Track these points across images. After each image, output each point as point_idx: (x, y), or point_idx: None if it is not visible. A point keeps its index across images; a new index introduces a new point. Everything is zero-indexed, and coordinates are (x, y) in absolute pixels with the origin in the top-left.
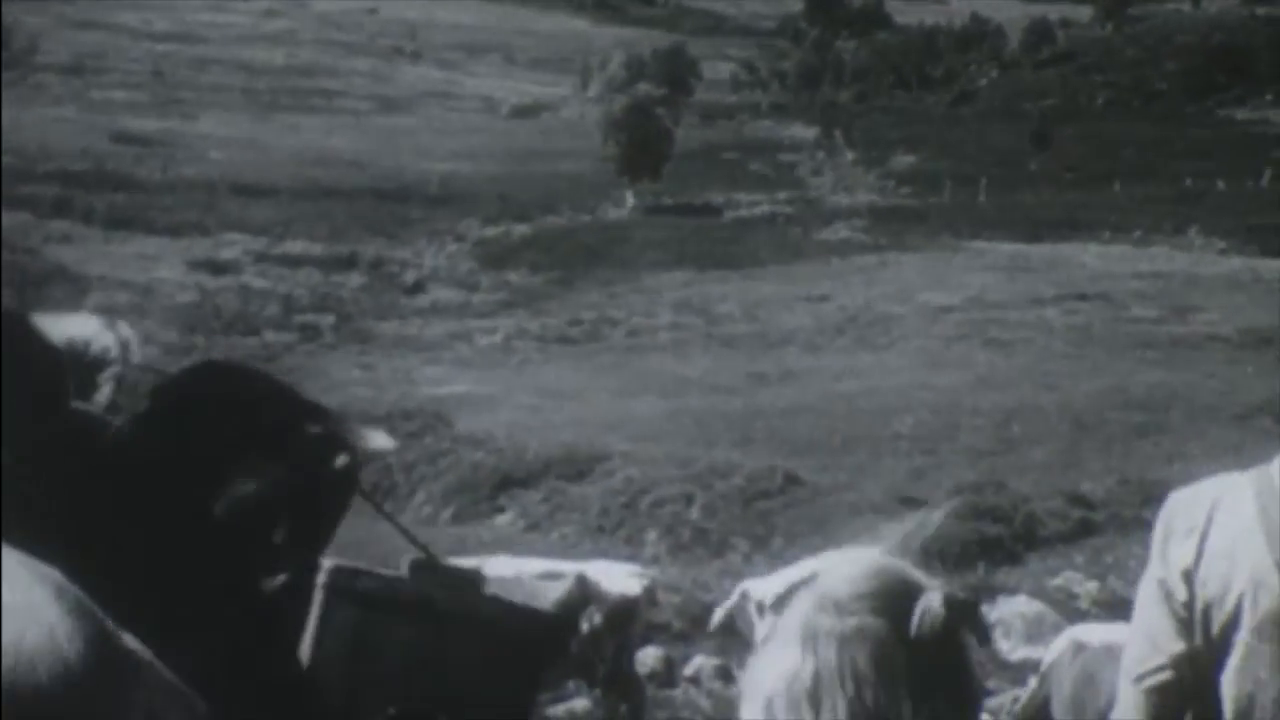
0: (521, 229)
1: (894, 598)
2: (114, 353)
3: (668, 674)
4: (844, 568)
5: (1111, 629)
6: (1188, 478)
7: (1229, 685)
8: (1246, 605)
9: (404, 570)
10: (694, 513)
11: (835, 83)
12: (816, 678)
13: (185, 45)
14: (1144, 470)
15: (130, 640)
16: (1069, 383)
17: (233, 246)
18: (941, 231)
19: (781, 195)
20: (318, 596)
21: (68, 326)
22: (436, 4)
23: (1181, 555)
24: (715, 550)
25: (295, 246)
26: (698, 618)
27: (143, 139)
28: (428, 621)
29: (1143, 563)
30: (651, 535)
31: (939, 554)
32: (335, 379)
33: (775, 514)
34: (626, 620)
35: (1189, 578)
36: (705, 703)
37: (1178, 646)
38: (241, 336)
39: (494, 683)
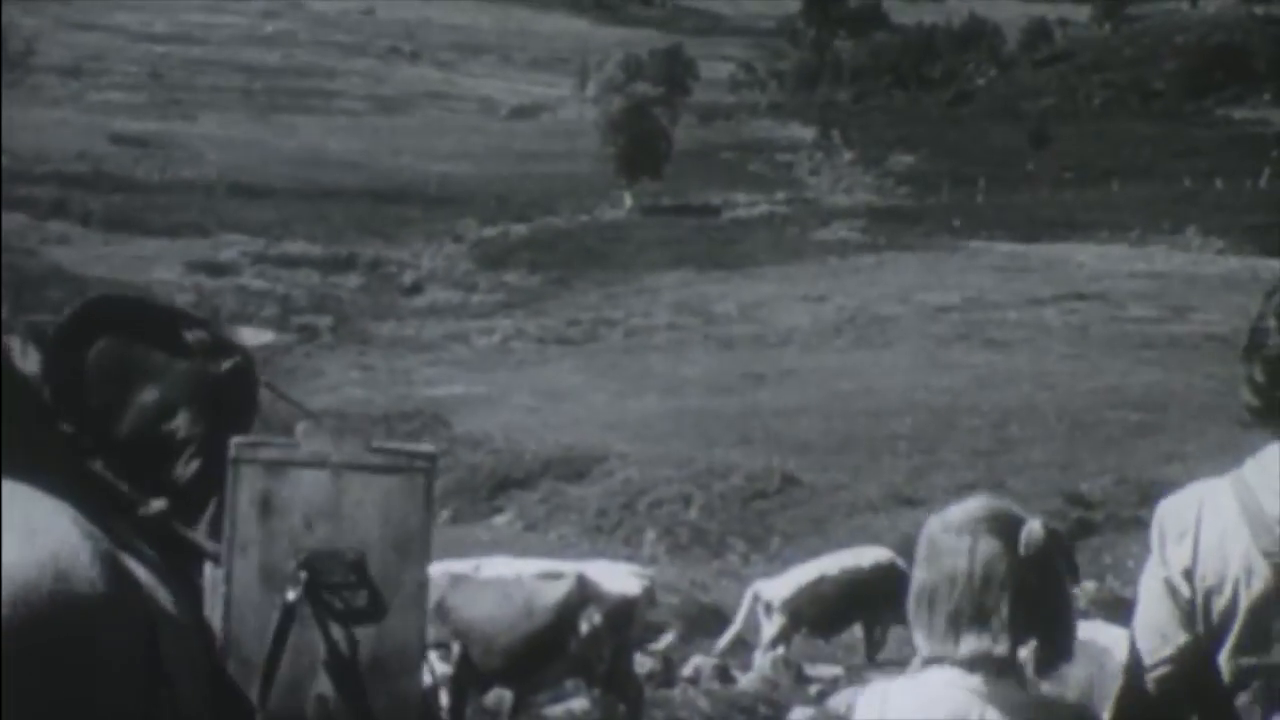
0: (519, 229)
1: (1004, 523)
2: None
3: (666, 674)
4: (962, 503)
5: (1081, 626)
6: (1186, 477)
7: (1227, 661)
8: (1241, 591)
9: (298, 436)
10: (692, 513)
11: (833, 82)
12: (935, 583)
13: (183, 46)
14: (1142, 470)
15: (128, 559)
16: (1067, 383)
17: (231, 247)
18: (939, 231)
19: (779, 195)
20: (229, 470)
21: None
22: (434, 4)
23: (1179, 556)
24: (713, 550)
25: (293, 247)
26: (696, 618)
27: (141, 140)
28: (322, 472)
29: (1141, 562)
30: (650, 535)
31: None
32: (333, 380)
33: (773, 514)
34: (626, 620)
35: (1189, 575)
36: (703, 702)
37: (1183, 638)
38: None
39: (387, 521)
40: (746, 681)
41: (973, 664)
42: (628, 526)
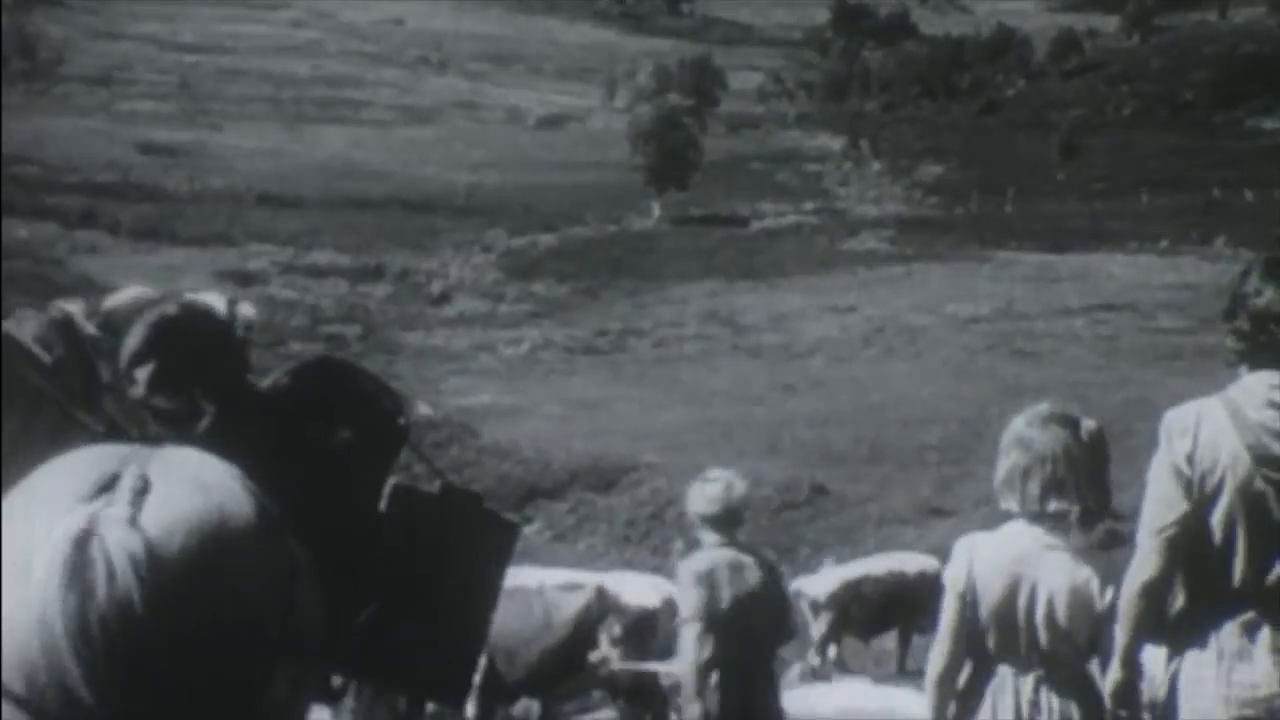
0: (548, 239)
1: (1070, 419)
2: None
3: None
4: (1034, 407)
5: None
6: None
7: (1217, 525)
8: (1229, 475)
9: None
10: None
11: (862, 93)
12: (1029, 464)
13: (212, 56)
14: None
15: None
16: (1096, 393)
17: (259, 257)
18: (968, 242)
19: (808, 205)
20: (384, 503)
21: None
22: (462, 15)
23: (1182, 446)
24: None
25: (322, 257)
26: None
27: (169, 150)
28: (446, 519)
29: None
30: (678, 545)
31: None
32: None
33: (802, 524)
34: (647, 632)
35: (1190, 460)
36: None
37: (1184, 506)
38: (268, 347)
39: (482, 569)
40: None
41: (1040, 518)
42: (656, 537)
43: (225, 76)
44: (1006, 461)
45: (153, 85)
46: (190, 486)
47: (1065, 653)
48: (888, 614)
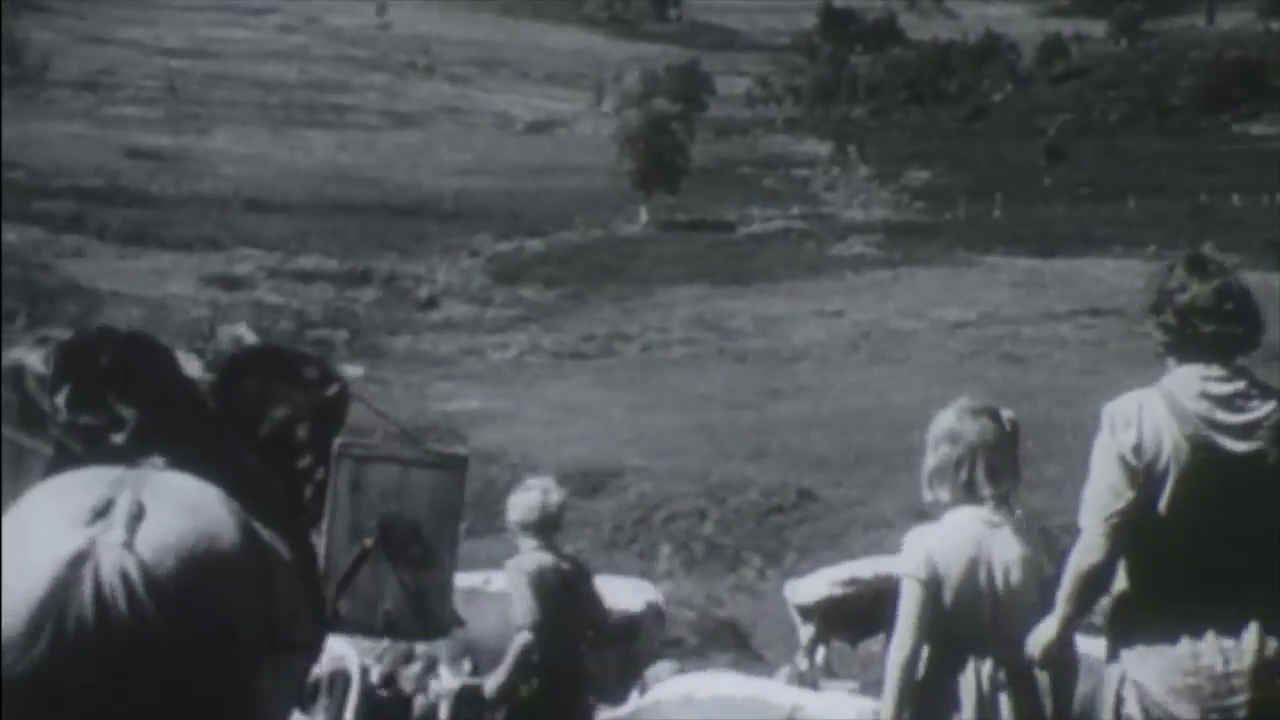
0: (535, 244)
1: (993, 410)
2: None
3: None
4: (956, 402)
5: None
6: None
7: (1164, 508)
8: (1172, 462)
9: (377, 438)
10: (708, 528)
11: (849, 98)
12: (961, 455)
13: (199, 61)
14: None
15: (257, 524)
16: (1083, 398)
17: (246, 262)
18: (956, 247)
19: (795, 210)
20: (332, 461)
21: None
22: (450, 20)
23: (1127, 438)
24: (729, 565)
25: (309, 262)
26: (711, 633)
27: (156, 155)
28: (393, 465)
29: None
30: (665, 550)
31: None
32: None
33: (789, 529)
34: (630, 636)
35: (1137, 450)
36: None
37: (1131, 493)
38: None
39: (434, 499)
40: None
41: (978, 503)
42: (643, 541)
43: (212, 81)
44: (937, 455)
45: (139, 90)
46: (181, 512)
47: (1020, 620)
48: (875, 617)
